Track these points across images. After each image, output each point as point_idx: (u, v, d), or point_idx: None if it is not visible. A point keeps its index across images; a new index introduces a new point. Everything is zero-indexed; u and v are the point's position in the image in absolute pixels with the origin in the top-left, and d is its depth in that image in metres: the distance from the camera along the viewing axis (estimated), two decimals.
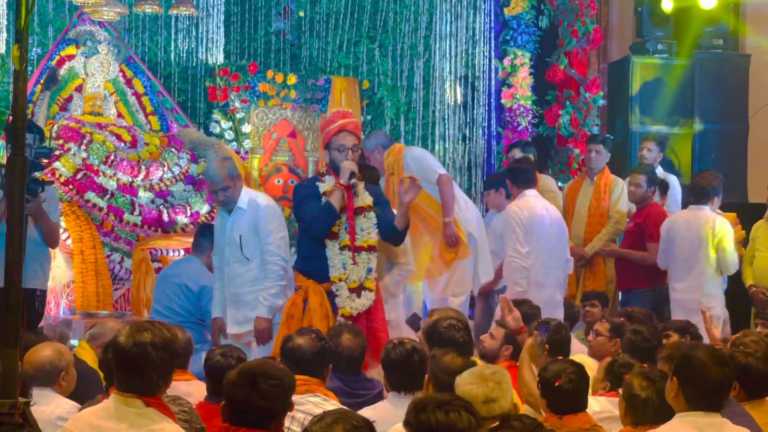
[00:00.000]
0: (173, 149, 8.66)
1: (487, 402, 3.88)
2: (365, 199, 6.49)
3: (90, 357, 5.61)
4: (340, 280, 6.39)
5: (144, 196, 8.33)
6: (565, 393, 4.20)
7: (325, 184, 6.46)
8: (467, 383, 3.95)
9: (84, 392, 4.84)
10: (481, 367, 4.09)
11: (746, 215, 8.53)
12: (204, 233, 7.52)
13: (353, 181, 6.36)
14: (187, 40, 9.60)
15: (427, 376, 4.45)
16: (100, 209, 8.12)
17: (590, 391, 4.90)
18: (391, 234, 6.58)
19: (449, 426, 3.22)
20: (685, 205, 9.48)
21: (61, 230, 7.64)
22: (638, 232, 8.32)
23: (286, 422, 4.31)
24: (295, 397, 4.08)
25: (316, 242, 6.48)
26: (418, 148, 8.83)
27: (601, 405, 4.66)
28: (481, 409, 3.76)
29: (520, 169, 8.11)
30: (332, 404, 4.54)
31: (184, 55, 9.60)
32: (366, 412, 4.39)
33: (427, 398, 3.39)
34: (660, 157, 9.35)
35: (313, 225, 6.41)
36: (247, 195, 6.84)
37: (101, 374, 5.57)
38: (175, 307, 7.24)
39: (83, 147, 8.26)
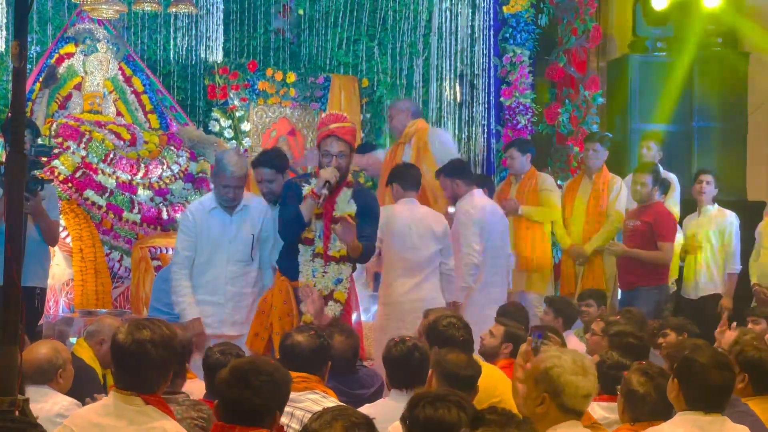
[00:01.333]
0: (172, 147, 8.67)
1: (587, 397, 3.70)
2: (345, 208, 6.44)
3: (87, 354, 5.61)
4: (306, 286, 6.39)
5: (143, 194, 8.33)
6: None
7: (309, 186, 6.44)
8: (573, 372, 3.69)
9: (81, 389, 4.84)
10: (581, 357, 3.82)
11: (745, 213, 8.56)
12: None
13: (324, 191, 6.31)
14: (187, 38, 9.60)
15: (430, 372, 4.45)
16: (100, 207, 8.12)
17: None
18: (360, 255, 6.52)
19: (437, 421, 3.23)
20: (684, 204, 9.52)
21: (60, 228, 7.64)
22: (647, 231, 8.29)
23: (286, 419, 4.32)
24: (293, 395, 4.09)
25: (290, 243, 6.50)
26: (446, 133, 8.92)
27: (597, 413, 4.64)
28: (578, 403, 3.65)
29: (466, 169, 8.13)
30: (331, 401, 4.54)
31: (184, 53, 9.60)
32: (366, 409, 4.40)
33: (424, 393, 3.39)
34: (659, 156, 9.36)
35: (281, 231, 6.42)
36: (248, 193, 6.83)
37: (99, 371, 5.58)
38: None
39: (82, 145, 8.27)
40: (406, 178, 7.51)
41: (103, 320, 5.93)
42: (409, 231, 7.29)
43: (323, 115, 6.99)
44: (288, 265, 6.48)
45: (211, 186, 6.82)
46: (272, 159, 6.94)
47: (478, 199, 7.88)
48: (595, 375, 3.75)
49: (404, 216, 7.31)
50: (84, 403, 4.35)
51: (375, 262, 7.29)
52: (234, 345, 5.13)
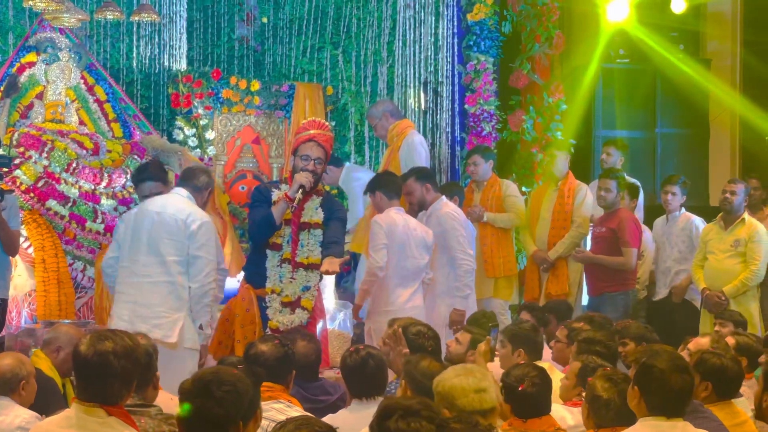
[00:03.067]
0: (136, 156, 8.61)
1: (478, 392, 3.82)
2: (313, 215, 6.44)
3: (46, 365, 5.56)
4: (273, 291, 6.38)
5: (107, 203, 8.28)
6: (529, 397, 4.22)
7: (280, 192, 6.44)
8: (452, 377, 3.88)
9: (42, 400, 4.81)
10: (460, 365, 4.03)
11: (708, 218, 8.62)
12: None
13: (298, 195, 6.32)
14: (150, 47, 9.55)
15: (403, 381, 4.45)
16: (62, 217, 8.06)
17: (563, 397, 4.93)
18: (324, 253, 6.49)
19: None
20: (648, 210, 9.58)
21: (22, 239, 7.59)
22: (611, 238, 8.36)
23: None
24: None
25: (257, 250, 6.49)
26: (419, 137, 8.89)
27: (575, 418, 4.67)
28: (473, 401, 3.76)
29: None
30: (296, 410, 4.54)
31: (147, 61, 9.55)
32: (329, 419, 4.39)
33: (396, 404, 3.38)
34: (621, 161, 9.42)
35: (251, 232, 6.43)
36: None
37: (59, 381, 5.53)
38: None
39: (44, 155, 8.20)
40: (389, 186, 7.49)
41: (59, 328, 5.89)
42: (407, 240, 7.29)
43: (304, 121, 6.95)
44: (254, 272, 6.47)
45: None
46: (154, 172, 6.93)
47: (452, 205, 7.89)
48: (482, 373, 3.91)
49: (402, 225, 7.31)
50: (45, 415, 4.31)
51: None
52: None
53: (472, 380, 3.84)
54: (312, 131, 6.50)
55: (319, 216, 6.46)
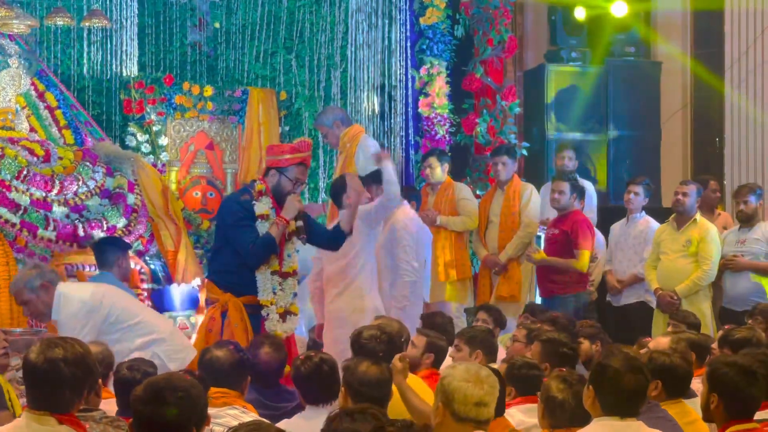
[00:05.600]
0: (88, 163, 8.53)
1: (479, 405, 3.76)
2: (293, 224, 6.48)
3: None
4: (271, 303, 6.40)
5: (59, 211, 8.19)
6: None
7: (262, 206, 6.42)
8: (463, 380, 3.78)
9: None
10: (476, 367, 3.90)
11: (660, 220, 8.69)
12: (106, 246, 7.41)
13: (300, 223, 6.37)
14: (101, 53, 9.47)
15: (342, 388, 4.43)
16: (13, 225, 7.95)
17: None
18: (335, 239, 6.64)
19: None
20: (601, 212, 9.66)
21: None
22: (565, 240, 8.41)
23: None
24: (213, 410, 4.05)
25: (236, 256, 6.44)
26: (372, 141, 8.90)
27: (515, 418, 4.68)
28: (470, 411, 3.73)
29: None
30: (251, 416, 4.52)
31: (98, 67, 9.47)
32: (284, 424, 4.38)
33: (341, 410, 3.38)
34: (575, 164, 9.50)
35: (252, 256, 6.36)
36: None
37: (3, 386, 5.45)
38: None
39: None
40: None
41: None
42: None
43: (296, 141, 6.92)
44: (234, 280, 6.43)
45: None
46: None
47: (409, 211, 7.90)
48: (491, 385, 3.80)
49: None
50: None
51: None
52: (144, 360, 5.07)
53: (477, 391, 3.76)
54: (304, 153, 6.52)
55: (298, 224, 6.50)
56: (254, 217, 6.39)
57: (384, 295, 7.59)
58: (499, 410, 4.31)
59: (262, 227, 6.37)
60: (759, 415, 4.19)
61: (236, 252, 6.40)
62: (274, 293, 6.39)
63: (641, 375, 3.89)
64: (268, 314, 6.38)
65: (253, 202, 6.44)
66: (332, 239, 6.74)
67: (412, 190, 9.15)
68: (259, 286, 6.37)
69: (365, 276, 7.31)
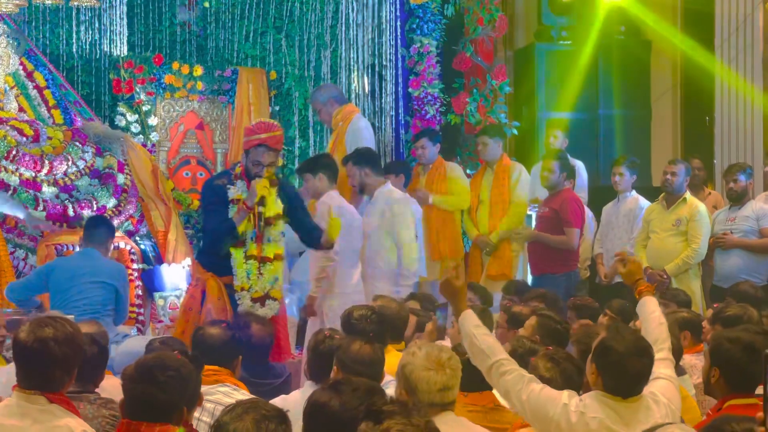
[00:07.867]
0: (77, 143, 8.51)
1: (443, 390, 3.77)
2: (275, 208, 6.42)
3: None
4: (242, 289, 6.36)
5: (48, 191, 8.18)
6: (472, 372, 4.21)
7: (236, 190, 6.39)
8: (424, 368, 3.77)
9: None
10: (436, 351, 3.86)
11: (650, 198, 8.70)
12: (101, 225, 7.39)
13: (260, 209, 6.32)
14: (90, 32, 9.43)
15: (335, 367, 4.44)
16: None
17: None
18: (310, 239, 6.60)
19: (322, 405, 3.26)
20: (591, 191, 9.68)
21: None
22: (554, 218, 8.43)
23: (197, 413, 4.28)
24: (204, 388, 4.06)
25: (215, 242, 6.45)
26: (365, 121, 8.90)
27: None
28: (436, 397, 3.74)
29: (375, 158, 8.09)
30: (242, 394, 4.53)
31: (87, 47, 9.43)
32: (281, 401, 4.38)
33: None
34: (565, 143, 9.50)
35: (214, 242, 6.37)
36: None
37: None
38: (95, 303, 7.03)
39: None
40: (332, 168, 7.53)
41: None
42: (352, 223, 7.38)
43: (253, 123, 6.87)
44: (214, 262, 6.43)
45: None
46: None
47: (396, 192, 7.89)
48: (453, 368, 3.80)
49: (346, 208, 7.46)
50: None
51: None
52: (175, 339, 5.11)
53: (441, 377, 3.76)
54: (263, 135, 6.40)
55: (279, 207, 6.44)
56: (225, 201, 6.38)
57: (378, 278, 7.59)
58: (486, 384, 4.31)
59: (233, 212, 6.38)
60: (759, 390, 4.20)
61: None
62: (248, 278, 6.36)
63: (646, 358, 3.85)
64: (239, 299, 6.36)
65: (228, 186, 6.42)
66: (308, 238, 6.71)
67: (401, 164, 9.14)
68: (234, 271, 6.36)
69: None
